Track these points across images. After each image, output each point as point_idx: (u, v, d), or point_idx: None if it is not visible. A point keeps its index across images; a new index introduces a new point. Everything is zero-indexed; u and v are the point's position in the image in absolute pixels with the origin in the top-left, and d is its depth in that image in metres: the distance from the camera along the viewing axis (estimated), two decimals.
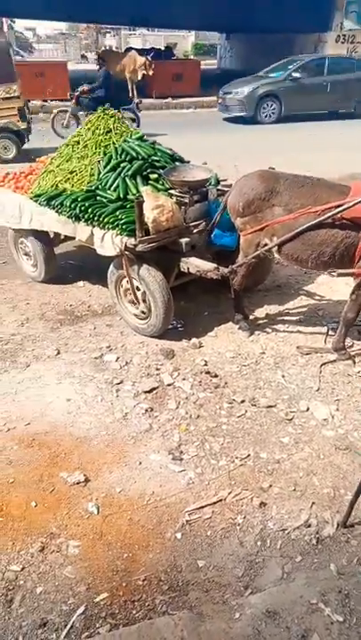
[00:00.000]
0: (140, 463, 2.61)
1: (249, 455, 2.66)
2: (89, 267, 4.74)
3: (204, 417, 2.94)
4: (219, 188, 3.87)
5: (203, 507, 2.36)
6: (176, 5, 15.07)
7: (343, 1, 15.49)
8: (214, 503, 2.38)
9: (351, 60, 13.87)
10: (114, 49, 25.35)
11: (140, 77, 13.97)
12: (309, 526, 2.28)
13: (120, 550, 2.17)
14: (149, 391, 3.13)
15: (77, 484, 2.47)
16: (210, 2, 14.30)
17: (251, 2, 14.25)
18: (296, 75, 12.73)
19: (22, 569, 2.08)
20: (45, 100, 13.67)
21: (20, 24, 34.64)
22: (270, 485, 2.48)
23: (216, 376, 3.27)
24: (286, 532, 2.25)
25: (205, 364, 3.38)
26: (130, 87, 14.40)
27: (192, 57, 24.97)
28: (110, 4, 14.61)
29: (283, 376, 3.28)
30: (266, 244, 3.29)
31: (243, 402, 3.05)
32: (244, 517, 2.32)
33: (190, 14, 16.75)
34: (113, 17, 19.46)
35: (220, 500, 2.39)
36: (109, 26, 32.78)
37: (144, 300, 3.53)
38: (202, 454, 2.67)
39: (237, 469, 2.58)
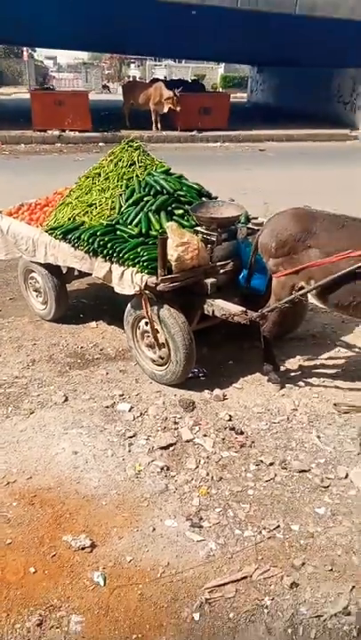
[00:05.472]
0: (154, 529, 2.58)
1: (278, 526, 2.61)
2: (103, 306, 4.89)
3: (228, 479, 2.91)
4: (249, 226, 4.00)
5: (225, 584, 2.31)
6: (206, 37, 16.11)
7: None
8: (238, 580, 2.32)
9: None
10: (138, 79, 27.04)
11: (165, 110, 14.79)
12: (349, 614, 2.21)
13: (128, 629, 2.12)
14: (166, 447, 3.13)
15: (82, 549, 2.45)
16: (242, 34, 15.25)
17: (286, 34, 15.15)
18: None
19: None
20: (64, 130, 14.47)
21: (41, 53, 37.37)
22: (303, 563, 2.42)
23: (242, 433, 3.27)
24: (322, 619, 2.18)
25: (230, 420, 3.39)
26: (153, 119, 15.24)
27: (220, 89, 26.32)
28: (137, 35, 15.70)
29: (318, 437, 3.25)
30: (302, 288, 3.36)
31: (272, 464, 3.02)
32: (273, 599, 2.25)
33: (221, 46, 17.89)
34: (139, 47, 20.89)
35: (246, 577, 2.34)
36: (134, 56, 35.05)
37: (163, 344, 3.60)
38: (225, 522, 2.63)
39: (265, 542, 2.53)
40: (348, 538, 2.56)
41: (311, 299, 3.65)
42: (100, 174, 4.43)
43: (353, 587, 2.31)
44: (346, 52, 15.85)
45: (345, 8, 14.25)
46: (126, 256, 3.61)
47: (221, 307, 3.58)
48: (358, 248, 3.09)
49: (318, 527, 2.62)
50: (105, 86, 32.98)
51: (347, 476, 2.94)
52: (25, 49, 25.73)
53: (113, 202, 4.11)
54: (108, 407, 3.50)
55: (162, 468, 2.96)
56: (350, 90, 18.36)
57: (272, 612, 2.21)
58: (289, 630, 2.14)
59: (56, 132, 14.34)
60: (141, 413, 3.44)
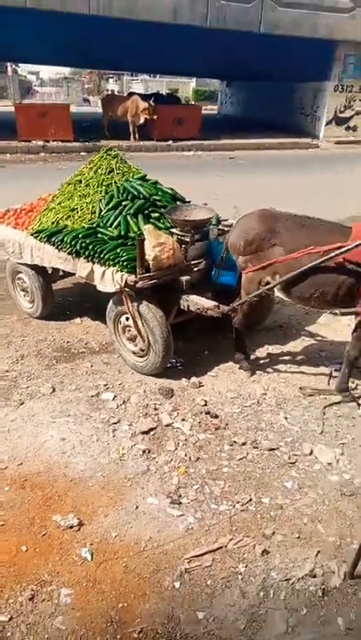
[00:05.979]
0: (137, 507, 2.59)
1: (251, 500, 2.64)
2: (87, 304, 4.84)
3: (204, 459, 2.93)
4: (219, 227, 4.01)
5: (202, 554, 2.33)
6: (179, 53, 16.03)
7: (342, 53, 16.54)
8: (215, 550, 2.35)
9: None
10: (116, 93, 26.81)
11: (142, 121, 14.69)
12: (315, 576, 2.25)
13: (114, 599, 2.12)
14: (147, 432, 3.13)
15: (71, 527, 2.44)
16: (212, 51, 15.22)
17: (252, 51, 15.19)
18: None
19: (10, 619, 2.03)
20: (47, 141, 14.27)
21: (25, 68, 36.69)
22: (273, 532, 2.45)
23: (216, 417, 3.29)
24: (290, 582, 2.22)
25: (205, 405, 3.40)
26: (131, 130, 15.13)
27: (193, 102, 26.26)
28: (115, 52, 15.53)
29: (285, 418, 3.29)
30: (268, 282, 3.39)
31: (244, 444, 3.05)
32: (246, 566, 2.28)
33: (193, 62, 17.84)
34: (117, 64, 20.69)
35: (221, 547, 2.36)
36: (112, 71, 34.66)
37: (143, 338, 3.59)
38: (202, 498, 2.65)
39: (239, 515, 2.55)
40: (314, 508, 2.61)
41: (277, 292, 3.69)
42: (81, 181, 4.38)
43: (318, 552, 2.36)
44: (306, 68, 15.98)
45: (306, 27, 14.34)
46: (107, 256, 3.59)
47: (196, 302, 3.59)
48: (318, 245, 3.13)
49: (286, 499, 2.66)
50: (85, 99, 32.40)
51: (311, 453, 2.99)
52: (9, 64, 25.23)
53: (93, 206, 4.07)
54: (93, 397, 3.48)
55: (144, 451, 2.96)
56: (311, 102, 18.51)
57: (246, 577, 2.24)
58: (261, 594, 2.17)
59: (40, 143, 14.12)
60: (124, 401, 3.44)
